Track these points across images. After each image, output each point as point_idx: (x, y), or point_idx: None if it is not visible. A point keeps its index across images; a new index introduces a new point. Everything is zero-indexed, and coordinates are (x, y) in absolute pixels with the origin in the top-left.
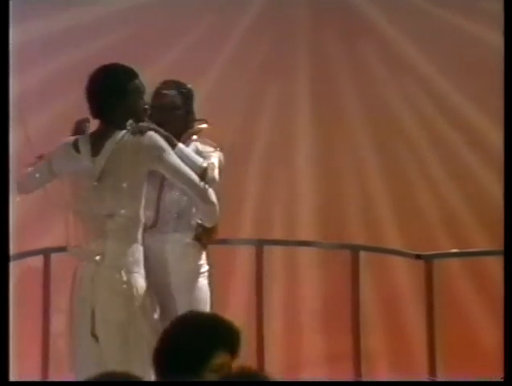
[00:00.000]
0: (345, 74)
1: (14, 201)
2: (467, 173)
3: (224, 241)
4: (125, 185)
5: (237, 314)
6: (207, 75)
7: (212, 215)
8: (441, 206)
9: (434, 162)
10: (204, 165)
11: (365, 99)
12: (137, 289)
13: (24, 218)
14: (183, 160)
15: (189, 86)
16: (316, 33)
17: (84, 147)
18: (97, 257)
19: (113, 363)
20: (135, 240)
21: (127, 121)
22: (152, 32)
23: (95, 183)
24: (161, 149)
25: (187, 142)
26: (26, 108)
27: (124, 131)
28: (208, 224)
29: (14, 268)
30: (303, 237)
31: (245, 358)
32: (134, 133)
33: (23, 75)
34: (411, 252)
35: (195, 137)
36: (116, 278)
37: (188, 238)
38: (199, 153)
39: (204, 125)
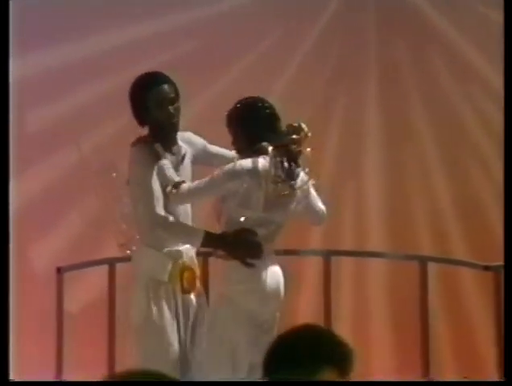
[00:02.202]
0: (413, 82)
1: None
2: None
3: (292, 252)
4: None
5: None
6: (275, 85)
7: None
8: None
9: (502, 171)
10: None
11: (433, 109)
12: None
13: (89, 227)
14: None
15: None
16: (384, 42)
17: None
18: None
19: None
20: None
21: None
22: (222, 43)
23: None
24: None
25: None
26: (80, 129)
27: None
28: None
29: (78, 278)
30: (371, 248)
31: None
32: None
33: (80, 91)
34: (480, 263)
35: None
36: None
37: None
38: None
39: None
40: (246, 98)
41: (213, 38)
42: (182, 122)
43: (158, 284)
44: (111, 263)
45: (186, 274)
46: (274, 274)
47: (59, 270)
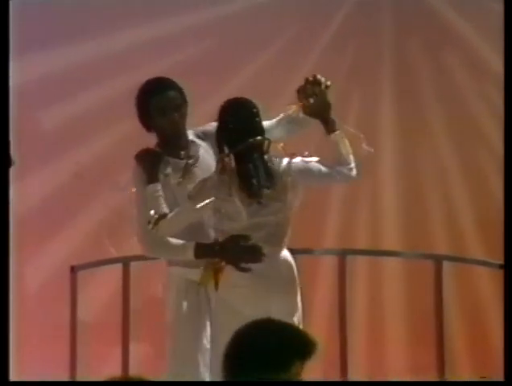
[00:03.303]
0: (429, 81)
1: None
2: None
3: (307, 251)
4: None
5: (320, 323)
6: (289, 85)
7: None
8: None
9: None
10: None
11: (449, 109)
12: None
13: (103, 225)
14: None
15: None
16: (400, 43)
17: None
18: None
19: None
20: None
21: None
22: (235, 43)
23: None
24: None
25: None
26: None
27: None
28: None
29: (91, 276)
30: (386, 247)
31: (328, 367)
32: None
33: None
34: (495, 261)
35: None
36: None
37: None
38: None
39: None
40: (226, 100)
41: (226, 38)
42: (194, 123)
43: (190, 284)
44: (125, 262)
45: (220, 274)
46: (276, 275)
47: (73, 269)
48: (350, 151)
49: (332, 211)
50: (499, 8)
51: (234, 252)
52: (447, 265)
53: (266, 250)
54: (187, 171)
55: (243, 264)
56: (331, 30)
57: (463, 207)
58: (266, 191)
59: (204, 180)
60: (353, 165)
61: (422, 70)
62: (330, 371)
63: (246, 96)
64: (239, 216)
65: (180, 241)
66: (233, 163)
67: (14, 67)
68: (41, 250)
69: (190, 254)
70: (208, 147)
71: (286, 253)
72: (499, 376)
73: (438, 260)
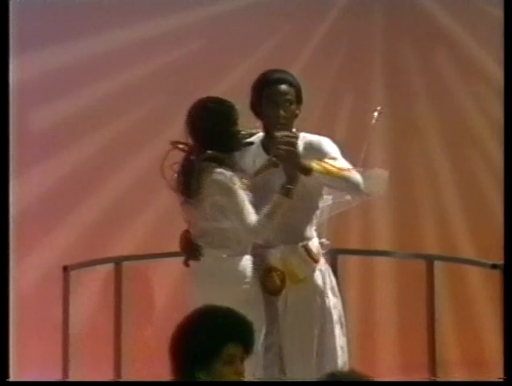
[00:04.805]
0: (420, 81)
1: None
2: None
3: None
4: None
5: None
6: None
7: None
8: None
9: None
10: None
11: (440, 108)
12: None
13: (96, 225)
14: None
15: None
16: (391, 42)
17: None
18: None
19: None
20: None
21: None
22: (228, 42)
23: None
24: None
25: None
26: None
27: None
28: None
29: (85, 276)
30: (377, 247)
31: None
32: None
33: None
34: (487, 261)
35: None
36: None
37: None
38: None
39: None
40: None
41: (219, 37)
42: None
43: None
44: (118, 261)
45: (272, 275)
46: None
47: (65, 268)
48: (339, 174)
49: None
50: (490, 9)
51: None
52: (438, 265)
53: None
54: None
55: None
56: (322, 31)
57: (454, 206)
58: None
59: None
60: (353, 180)
61: (413, 70)
62: None
63: (238, 97)
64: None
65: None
66: None
67: (13, 65)
68: (34, 250)
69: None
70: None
71: None
72: (490, 375)
73: (429, 259)
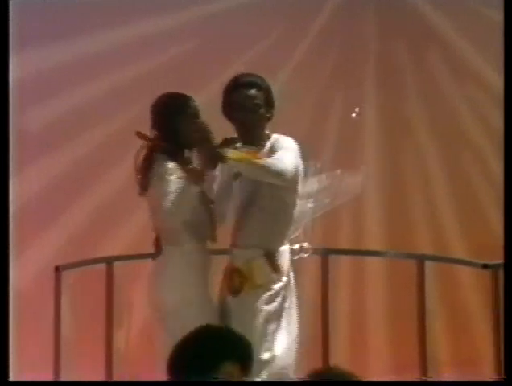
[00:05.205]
0: (412, 82)
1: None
2: None
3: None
4: None
5: (302, 322)
6: (275, 84)
7: None
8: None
9: (501, 171)
10: None
11: (431, 108)
12: None
13: (88, 225)
14: None
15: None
16: (383, 42)
17: None
18: None
19: None
20: None
21: None
22: (221, 41)
23: None
24: None
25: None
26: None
27: None
28: None
29: (75, 276)
30: (369, 247)
31: (311, 366)
32: None
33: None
34: (478, 261)
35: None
36: None
37: None
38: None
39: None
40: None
41: (213, 36)
42: None
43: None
44: (109, 261)
45: (233, 276)
46: None
47: (57, 269)
48: (254, 162)
49: None
50: (484, 10)
51: None
52: (429, 265)
53: None
54: None
55: None
56: (315, 31)
57: (446, 207)
58: None
59: None
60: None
61: (405, 70)
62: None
63: None
64: None
65: None
66: None
67: (13, 61)
68: (26, 251)
69: None
70: None
71: None
72: (480, 374)
73: (420, 259)
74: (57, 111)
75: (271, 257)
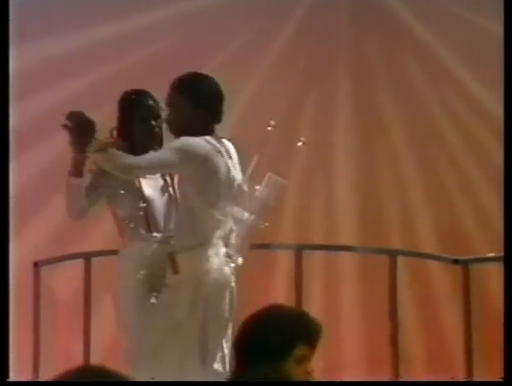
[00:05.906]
0: (385, 81)
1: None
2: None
3: (263, 246)
4: None
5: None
6: (248, 83)
7: None
8: (479, 211)
9: (472, 168)
10: None
11: (404, 106)
12: None
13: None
14: None
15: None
16: (356, 42)
17: None
18: None
19: None
20: None
21: None
22: (195, 41)
23: None
24: None
25: None
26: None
27: None
28: None
29: (54, 272)
30: (341, 242)
31: None
32: None
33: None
34: (449, 256)
35: None
36: None
37: None
38: None
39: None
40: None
41: (187, 36)
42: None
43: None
44: (87, 257)
45: (155, 272)
46: None
47: (36, 264)
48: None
49: (288, 206)
50: (457, 10)
51: None
52: (401, 260)
53: None
54: None
55: None
56: (288, 29)
57: (417, 202)
58: None
59: None
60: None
61: (378, 68)
62: None
63: None
64: None
65: None
66: None
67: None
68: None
69: None
70: None
71: None
72: (451, 369)
73: (393, 254)
74: (35, 107)
75: (172, 258)
